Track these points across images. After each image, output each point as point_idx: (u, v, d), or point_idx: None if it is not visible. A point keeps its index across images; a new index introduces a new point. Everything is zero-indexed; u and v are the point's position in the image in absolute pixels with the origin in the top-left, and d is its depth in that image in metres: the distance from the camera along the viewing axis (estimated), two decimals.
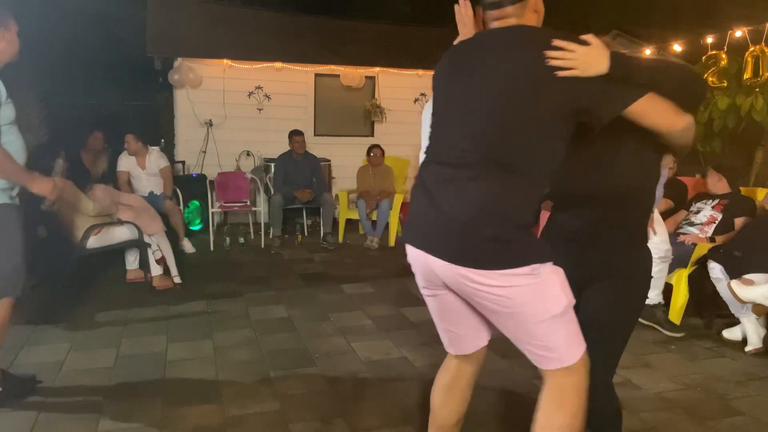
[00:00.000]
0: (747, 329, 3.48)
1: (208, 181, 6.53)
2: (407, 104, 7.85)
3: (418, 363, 3.21)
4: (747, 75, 5.12)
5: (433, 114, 1.70)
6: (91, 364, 3.10)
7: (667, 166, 4.21)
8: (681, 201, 4.45)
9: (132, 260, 4.64)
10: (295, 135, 6.44)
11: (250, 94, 7.29)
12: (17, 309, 2.68)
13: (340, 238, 6.53)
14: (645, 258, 1.85)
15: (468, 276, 1.49)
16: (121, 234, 4.26)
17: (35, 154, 3.07)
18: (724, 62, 5.32)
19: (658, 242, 3.56)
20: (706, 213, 4.10)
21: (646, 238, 1.85)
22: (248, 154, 7.34)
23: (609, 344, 1.81)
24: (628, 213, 1.78)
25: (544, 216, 1.94)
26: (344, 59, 7.43)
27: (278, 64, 7.23)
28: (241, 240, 6.29)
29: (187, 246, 5.71)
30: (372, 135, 7.83)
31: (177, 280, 4.53)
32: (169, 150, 7.35)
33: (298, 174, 6.42)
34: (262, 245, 6.18)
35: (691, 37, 5.82)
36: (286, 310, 4.08)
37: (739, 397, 2.86)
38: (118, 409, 2.62)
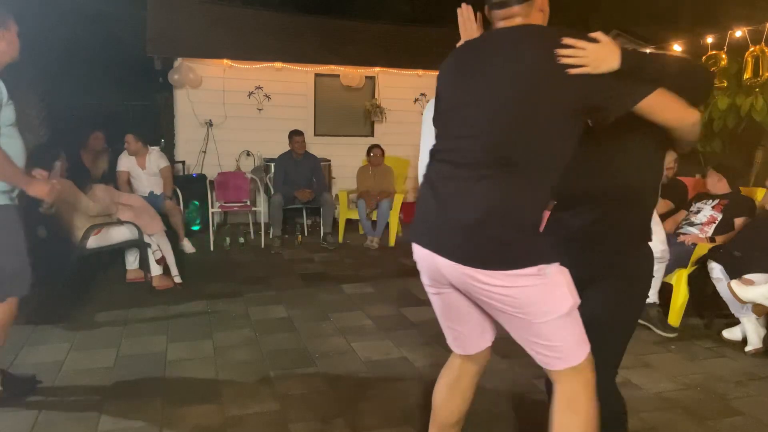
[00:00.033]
0: (747, 329, 3.48)
1: (208, 181, 6.53)
2: (407, 104, 7.85)
3: (418, 363, 3.21)
4: (747, 75, 5.12)
5: (440, 113, 1.69)
6: (91, 364, 3.10)
7: (667, 167, 4.21)
8: (681, 201, 4.45)
9: (132, 260, 4.64)
10: (295, 135, 6.44)
11: (250, 94, 7.29)
12: (17, 309, 2.68)
13: (340, 238, 6.53)
14: (646, 258, 1.85)
15: (474, 276, 1.50)
16: (121, 234, 4.26)
17: (35, 154, 3.07)
18: (724, 62, 5.32)
19: (655, 242, 3.54)
20: (706, 213, 4.10)
21: (647, 237, 1.85)
22: (248, 154, 7.34)
23: (609, 344, 1.81)
24: (630, 212, 1.78)
25: (545, 216, 1.94)
26: (344, 59, 7.43)
27: (278, 64, 7.23)
28: (241, 240, 6.29)
29: (187, 246, 5.72)
30: (372, 135, 7.83)
31: (177, 279, 4.53)
32: (169, 150, 7.35)
33: (298, 174, 6.42)
34: (262, 245, 6.18)
35: (691, 37, 5.82)
36: (286, 310, 4.08)
37: (739, 397, 2.86)
38: (118, 409, 2.62)
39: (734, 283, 3.38)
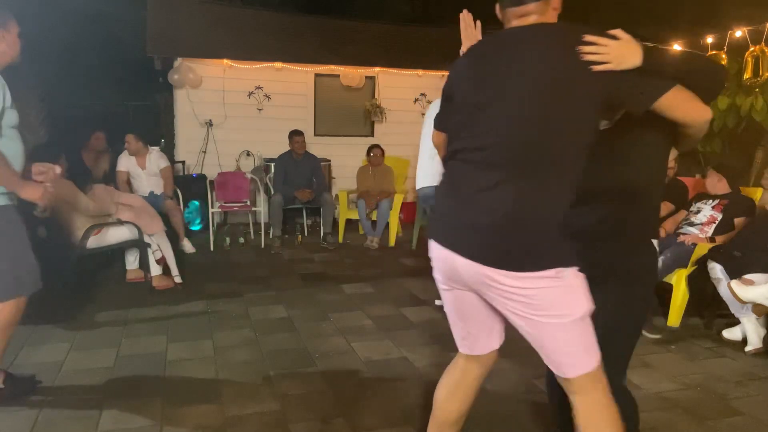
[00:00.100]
0: (747, 329, 3.48)
1: (208, 181, 6.53)
2: (407, 104, 7.85)
3: (418, 363, 3.21)
4: (747, 75, 5.12)
5: (456, 114, 1.67)
6: (91, 364, 3.10)
7: (668, 166, 4.19)
8: (681, 201, 4.45)
9: (132, 260, 4.64)
10: (295, 135, 6.44)
11: (250, 94, 7.29)
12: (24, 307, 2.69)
13: (340, 238, 6.53)
14: (650, 258, 1.84)
15: (493, 276, 1.50)
16: (121, 234, 4.26)
17: (35, 154, 3.07)
18: (724, 62, 5.32)
19: None
20: (706, 213, 4.09)
21: (651, 236, 1.84)
22: (248, 154, 7.34)
23: (614, 346, 1.80)
24: (636, 211, 1.78)
25: None
26: (344, 59, 7.43)
27: (278, 64, 7.23)
28: (241, 240, 6.29)
29: (187, 246, 5.72)
30: (372, 135, 7.83)
31: (177, 279, 4.53)
32: (169, 150, 7.36)
33: (298, 174, 6.42)
34: (262, 245, 6.18)
35: (691, 37, 5.82)
36: (286, 310, 4.08)
37: (739, 397, 2.86)
38: (118, 409, 2.62)
39: (734, 283, 3.38)
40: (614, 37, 1.44)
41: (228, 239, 6.21)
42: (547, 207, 1.50)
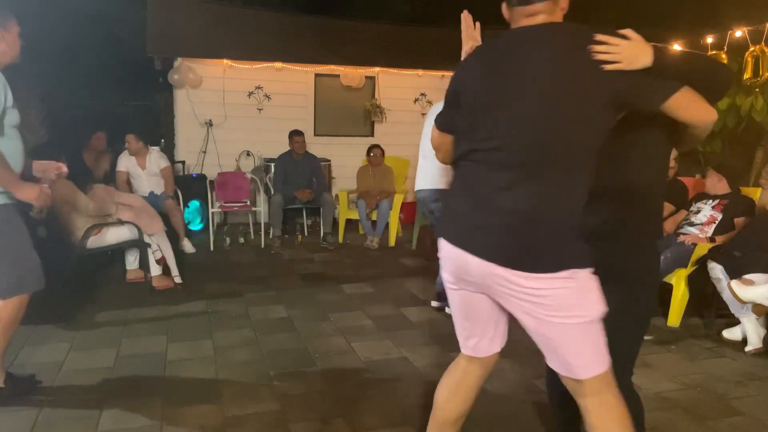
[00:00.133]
0: (747, 329, 3.48)
1: (208, 181, 6.53)
2: (407, 104, 7.85)
3: (418, 363, 3.21)
4: (747, 75, 5.12)
5: (465, 115, 1.66)
6: (91, 364, 3.10)
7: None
8: (681, 201, 4.45)
9: (132, 260, 4.64)
10: (295, 135, 6.44)
11: (250, 94, 7.29)
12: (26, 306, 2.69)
13: (340, 238, 6.53)
14: (651, 258, 1.84)
15: (506, 276, 1.50)
16: (121, 234, 4.26)
17: (34, 154, 3.07)
18: (724, 62, 5.32)
19: None
20: (706, 213, 4.09)
21: (653, 236, 1.84)
22: (248, 154, 7.34)
23: (618, 347, 1.80)
24: (636, 211, 1.77)
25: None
26: (344, 59, 7.43)
27: (278, 64, 7.23)
28: (241, 240, 6.29)
29: (187, 246, 5.71)
30: (372, 135, 7.83)
31: (177, 279, 4.53)
32: (169, 150, 7.36)
33: (298, 174, 6.42)
34: (262, 245, 6.18)
35: (691, 37, 5.81)
36: (286, 310, 4.08)
37: (739, 397, 2.86)
38: (118, 409, 2.62)
39: (734, 283, 3.38)
40: (625, 37, 1.45)
41: (228, 239, 6.21)
42: (562, 208, 1.50)
